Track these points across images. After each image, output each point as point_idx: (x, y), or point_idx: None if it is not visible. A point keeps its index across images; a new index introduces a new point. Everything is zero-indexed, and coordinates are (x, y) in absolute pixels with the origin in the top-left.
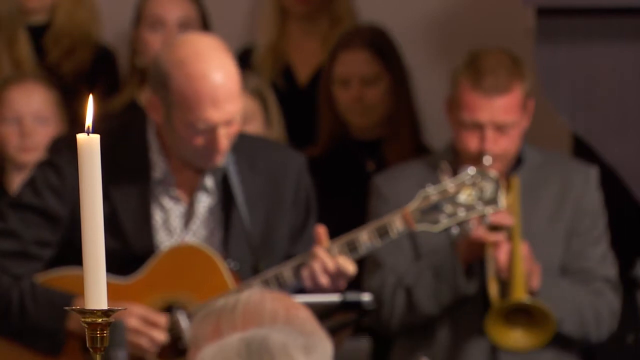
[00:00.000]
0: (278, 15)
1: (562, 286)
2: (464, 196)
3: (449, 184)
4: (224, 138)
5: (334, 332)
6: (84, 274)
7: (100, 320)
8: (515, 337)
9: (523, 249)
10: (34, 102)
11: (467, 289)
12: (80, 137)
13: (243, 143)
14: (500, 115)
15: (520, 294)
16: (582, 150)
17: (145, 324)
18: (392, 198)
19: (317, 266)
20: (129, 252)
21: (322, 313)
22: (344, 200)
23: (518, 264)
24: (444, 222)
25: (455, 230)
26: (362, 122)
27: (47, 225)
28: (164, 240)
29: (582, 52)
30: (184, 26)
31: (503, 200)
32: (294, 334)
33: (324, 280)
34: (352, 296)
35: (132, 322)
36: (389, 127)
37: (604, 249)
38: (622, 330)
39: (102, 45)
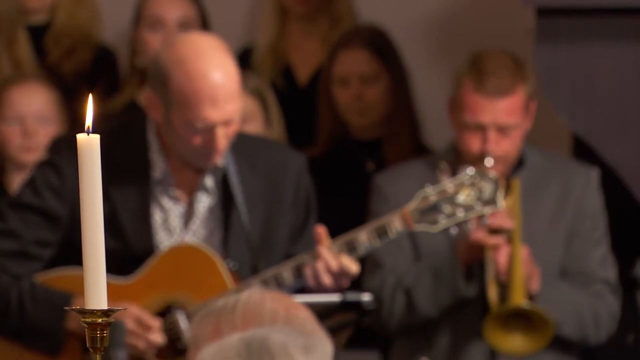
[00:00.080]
0: (278, 15)
1: (561, 289)
2: (462, 196)
3: (448, 184)
4: (223, 138)
5: (334, 332)
6: (84, 274)
7: (100, 320)
8: (514, 342)
9: (523, 252)
10: (36, 102)
11: (466, 292)
12: (80, 137)
13: (243, 143)
14: (503, 117)
15: (519, 299)
16: (582, 151)
17: (141, 326)
18: (392, 197)
19: (320, 265)
20: (128, 252)
21: (322, 313)
22: (343, 200)
23: (518, 268)
24: (442, 222)
25: (454, 231)
26: (361, 122)
27: (47, 225)
28: (164, 240)
29: (582, 52)
30: (184, 26)
31: (502, 200)
32: (294, 334)
33: (326, 279)
34: (352, 296)
35: (128, 323)
36: (388, 127)
37: (604, 251)
38: (622, 330)
39: (103, 45)
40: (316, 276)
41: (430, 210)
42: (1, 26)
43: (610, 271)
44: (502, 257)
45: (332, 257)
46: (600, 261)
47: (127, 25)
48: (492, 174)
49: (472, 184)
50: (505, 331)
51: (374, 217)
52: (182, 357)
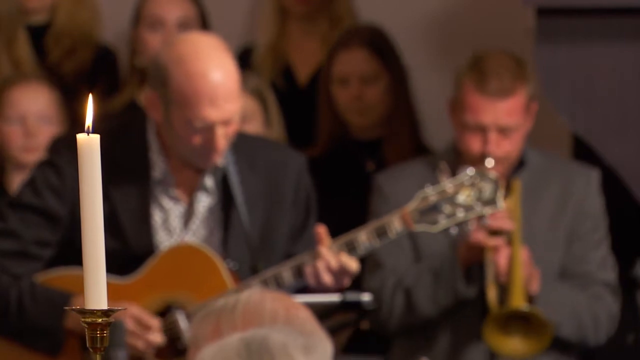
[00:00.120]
0: (278, 15)
1: (560, 290)
2: (462, 197)
3: (448, 184)
4: (222, 137)
5: (334, 332)
6: (84, 274)
7: (100, 320)
8: (513, 344)
9: (523, 254)
10: (37, 102)
11: (466, 293)
12: (80, 137)
13: (243, 143)
14: (504, 118)
15: (518, 301)
16: (582, 151)
17: (141, 326)
18: (392, 197)
19: (320, 265)
20: (128, 252)
21: (322, 313)
22: (343, 200)
23: (517, 269)
24: (442, 222)
25: (454, 231)
26: (361, 122)
27: (47, 225)
28: (164, 240)
29: (582, 52)
30: (184, 26)
31: (502, 201)
32: (294, 334)
33: (327, 278)
34: (352, 296)
35: (128, 323)
36: (388, 126)
37: (604, 252)
38: (622, 330)
39: (103, 45)
40: (317, 275)
41: (430, 211)
42: (1, 26)
43: (610, 273)
44: (502, 258)
45: (332, 256)
46: (601, 263)
47: (127, 25)
48: (492, 174)
49: (472, 184)
50: (504, 333)
51: (374, 217)
52: (182, 357)
